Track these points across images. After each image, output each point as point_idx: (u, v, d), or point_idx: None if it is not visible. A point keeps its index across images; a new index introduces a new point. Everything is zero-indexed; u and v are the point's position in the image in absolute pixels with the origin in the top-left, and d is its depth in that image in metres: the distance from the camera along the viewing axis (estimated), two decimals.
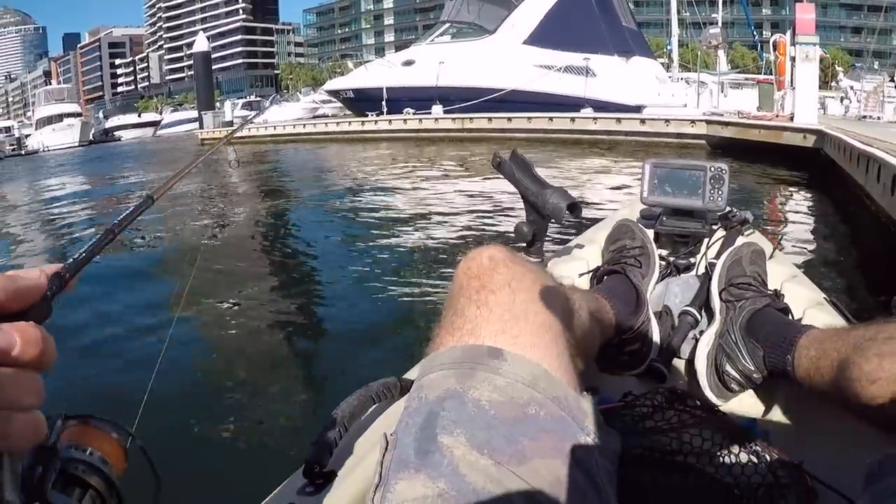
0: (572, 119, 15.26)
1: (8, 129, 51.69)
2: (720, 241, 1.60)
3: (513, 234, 1.44)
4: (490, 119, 16.84)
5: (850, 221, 6.40)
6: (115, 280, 5.04)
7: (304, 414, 2.81)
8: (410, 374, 1.18)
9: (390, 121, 19.38)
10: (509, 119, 16.41)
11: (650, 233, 1.60)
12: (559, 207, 1.36)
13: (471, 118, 17.25)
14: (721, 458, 0.93)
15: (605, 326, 1.17)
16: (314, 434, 0.95)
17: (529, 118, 16.04)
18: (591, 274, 1.48)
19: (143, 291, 4.86)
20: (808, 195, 8.17)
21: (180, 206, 9.00)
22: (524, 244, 1.41)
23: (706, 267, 1.50)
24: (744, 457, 0.93)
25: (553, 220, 1.38)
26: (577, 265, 1.57)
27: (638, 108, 15.65)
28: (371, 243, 6.18)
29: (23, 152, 45.56)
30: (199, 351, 3.75)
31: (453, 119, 17.70)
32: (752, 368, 1.18)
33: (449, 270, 4.89)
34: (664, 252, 1.61)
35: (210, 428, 2.79)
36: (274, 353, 3.76)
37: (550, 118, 15.60)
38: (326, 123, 21.97)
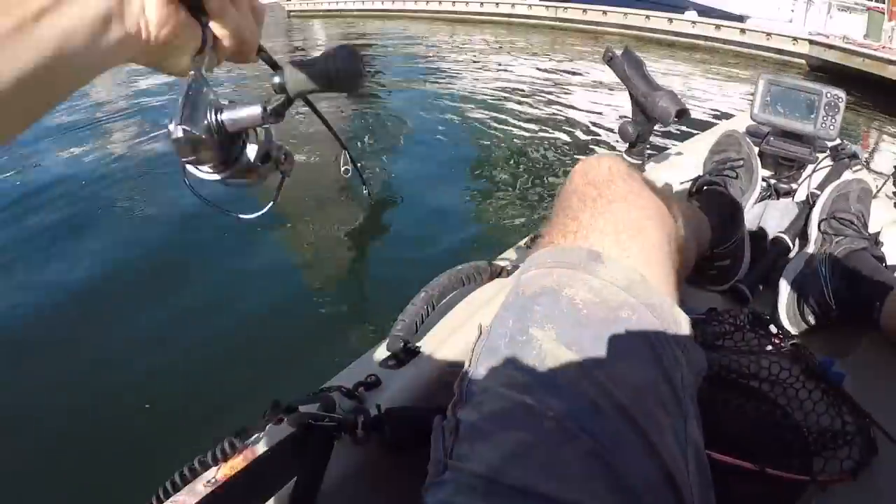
0: (670, 20, 14.31)
1: None
2: (825, 172, 1.53)
3: (616, 133, 1.40)
4: (585, 10, 15.94)
5: None
6: None
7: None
8: (500, 261, 1.20)
9: (482, 3, 18.56)
10: (604, 13, 15.48)
11: (755, 150, 1.54)
12: (668, 111, 1.31)
13: (565, 7, 16.35)
14: (794, 392, 0.93)
15: (702, 242, 1.15)
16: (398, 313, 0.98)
17: (626, 14, 15.14)
18: (690, 182, 1.45)
19: None
20: None
21: None
22: (627, 144, 1.37)
23: (808, 195, 1.45)
24: (816, 395, 0.92)
25: (660, 124, 1.34)
26: (677, 173, 1.53)
27: (741, 18, 14.61)
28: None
29: None
30: None
31: (546, 7, 16.85)
32: (834, 307, 1.16)
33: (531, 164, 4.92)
34: (767, 173, 1.56)
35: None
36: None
37: (647, 16, 14.67)
38: (416, 1, 21.20)
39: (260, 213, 0.67)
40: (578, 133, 5.99)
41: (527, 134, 5.84)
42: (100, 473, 2.05)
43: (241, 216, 0.68)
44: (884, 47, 11.25)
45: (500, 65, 10.52)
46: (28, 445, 2.18)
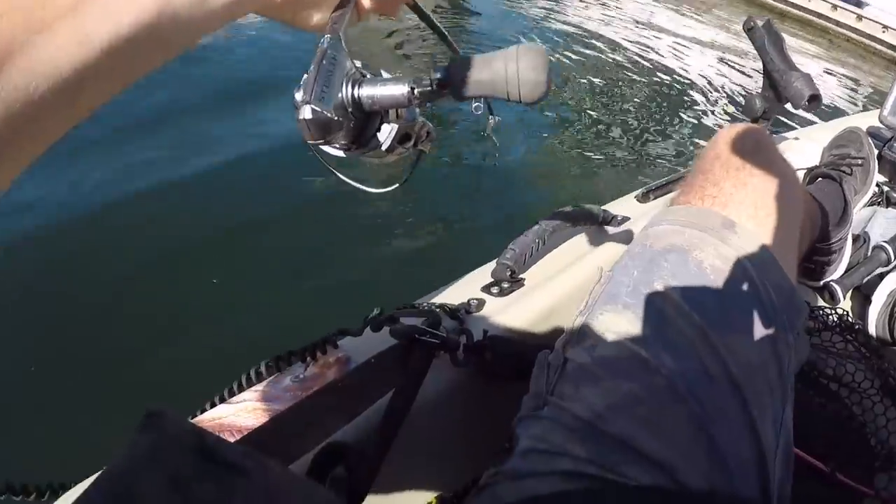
0: None
1: None
2: None
3: (741, 103, 1.36)
4: None
5: None
6: None
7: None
8: (610, 207, 1.19)
9: None
10: None
11: (875, 152, 1.49)
12: (801, 93, 1.27)
13: None
14: (871, 404, 0.93)
15: (813, 232, 1.14)
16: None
17: None
18: (805, 171, 1.41)
19: None
20: None
21: None
22: (751, 118, 1.33)
23: None
24: (892, 413, 0.92)
25: (791, 105, 1.29)
26: (794, 158, 1.48)
27: (860, 3, 13.70)
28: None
29: None
30: None
31: None
32: None
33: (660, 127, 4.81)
34: (882, 178, 1.51)
35: None
36: None
37: None
38: None
39: (392, 188, 0.62)
40: (693, 95, 5.83)
41: (641, 90, 5.69)
42: (188, 356, 2.12)
43: (371, 190, 0.62)
44: None
45: (607, 14, 10.15)
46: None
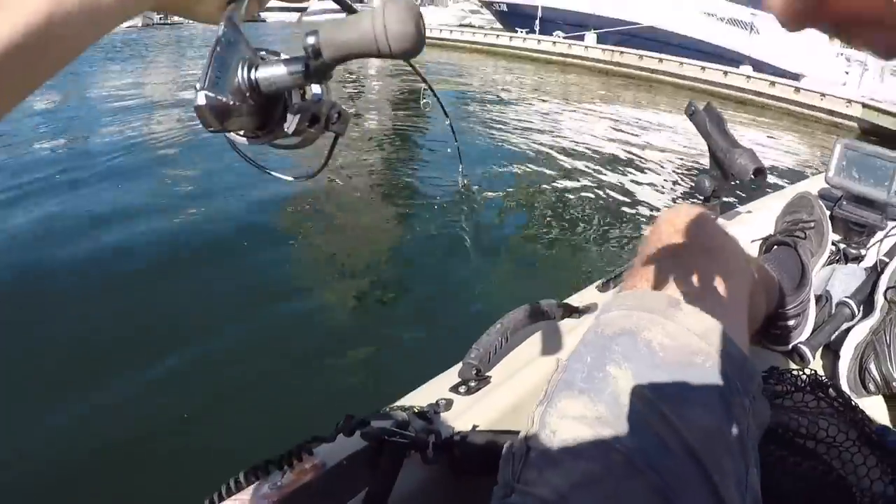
0: (725, 73, 14.10)
1: None
2: None
3: (692, 187, 1.44)
4: (641, 57, 15.74)
5: None
6: None
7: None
8: (572, 300, 1.24)
9: (539, 41, 18.50)
10: (660, 60, 15.31)
11: (827, 213, 1.56)
12: (746, 169, 1.34)
13: (621, 52, 16.25)
14: (850, 455, 0.94)
15: (769, 300, 1.18)
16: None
17: (681, 63, 14.96)
18: (761, 241, 1.47)
19: None
20: None
21: None
22: (702, 198, 1.40)
23: (876, 262, 1.46)
24: (871, 461, 0.93)
25: (737, 181, 1.37)
26: (748, 230, 1.56)
27: (796, 77, 14.31)
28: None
29: (169, 22, 46.88)
30: None
31: (603, 50, 16.74)
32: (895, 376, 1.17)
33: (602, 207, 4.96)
34: (837, 237, 1.57)
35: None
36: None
37: (703, 67, 14.46)
38: (473, 33, 21.21)
39: (311, 175, 0.61)
40: (650, 180, 6.00)
41: (598, 180, 5.88)
42: (162, 473, 2.14)
43: (290, 177, 0.61)
44: None
45: (552, 103, 10.61)
46: (90, 441, 2.29)
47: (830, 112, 12.22)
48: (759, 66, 14.78)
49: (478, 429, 0.90)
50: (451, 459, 0.84)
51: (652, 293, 0.80)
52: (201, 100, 0.40)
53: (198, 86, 0.40)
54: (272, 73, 0.45)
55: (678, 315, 0.75)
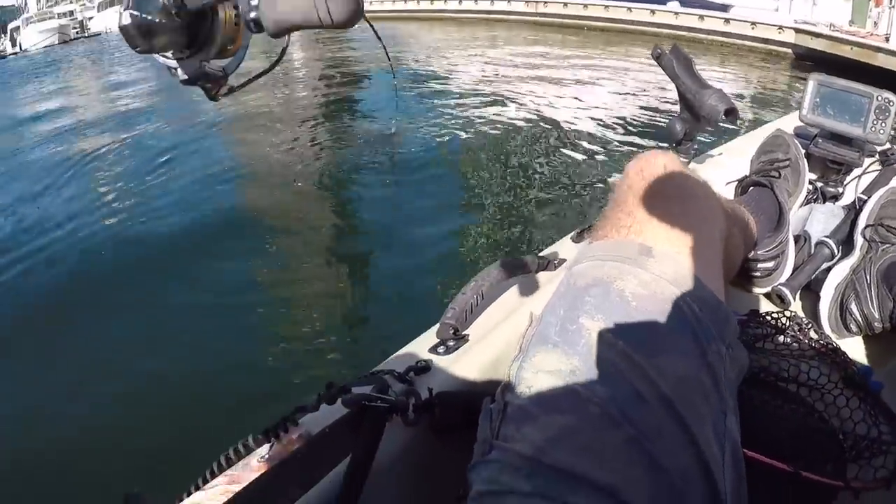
0: (652, 12, 14.12)
1: (71, 13, 49.78)
2: (874, 176, 1.52)
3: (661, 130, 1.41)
4: (565, 4, 15.72)
5: None
6: None
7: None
8: (547, 253, 1.22)
9: (461, 0, 18.33)
10: (585, 6, 15.28)
11: (802, 152, 1.54)
12: (716, 109, 1.31)
13: (545, 2, 16.16)
14: (832, 398, 0.94)
15: (748, 243, 1.17)
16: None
17: (606, 6, 14.93)
18: (736, 182, 1.45)
19: None
20: None
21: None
22: (674, 142, 1.38)
23: (855, 200, 1.45)
24: (854, 402, 0.93)
25: (708, 122, 1.34)
26: (722, 172, 1.53)
27: (725, 7, 14.21)
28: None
29: (86, 35, 45.05)
30: None
31: (526, 2, 16.61)
32: (877, 316, 1.16)
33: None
34: (813, 176, 1.55)
35: None
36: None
37: (629, 8, 14.50)
38: (394, 1, 20.95)
39: (227, 91, 0.56)
40: (619, 130, 5.99)
41: (568, 135, 5.87)
42: (154, 453, 2.15)
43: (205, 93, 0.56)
44: (871, 34, 11.05)
45: (493, 60, 10.55)
46: (85, 423, 2.29)
47: (764, 40, 12.40)
48: (688, 2, 14.63)
49: (458, 388, 0.91)
50: (432, 419, 0.85)
51: (624, 241, 0.79)
52: (126, 19, 0.40)
53: (122, 6, 0.40)
54: None
55: (650, 263, 0.74)
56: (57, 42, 38.96)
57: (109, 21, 45.47)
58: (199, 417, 2.28)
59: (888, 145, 1.55)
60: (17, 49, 41.32)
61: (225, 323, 2.92)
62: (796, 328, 1.08)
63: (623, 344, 0.67)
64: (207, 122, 7.35)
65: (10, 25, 48.51)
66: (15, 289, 3.49)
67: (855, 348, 1.17)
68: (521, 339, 0.77)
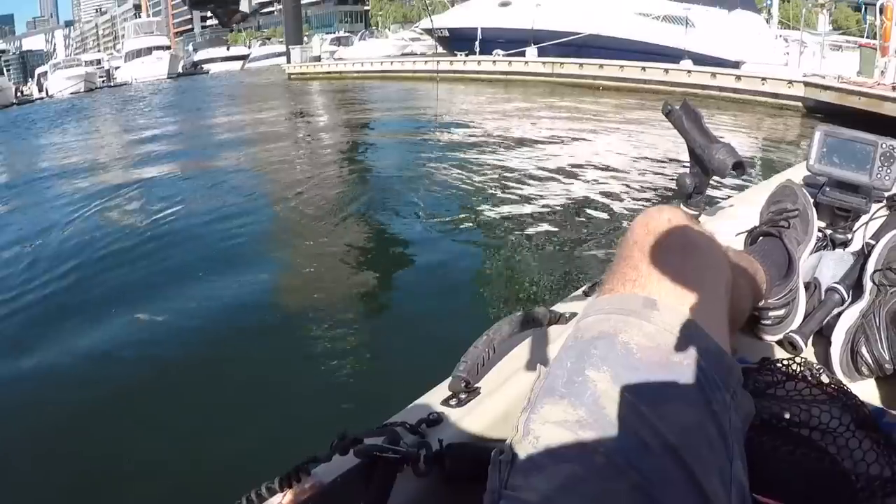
0: (665, 70, 14.33)
1: (98, 62, 52.31)
2: (881, 221, 1.55)
3: (674, 188, 1.44)
4: (581, 65, 16.03)
5: None
6: None
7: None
8: (558, 308, 1.25)
9: (479, 62, 18.80)
10: (601, 66, 15.56)
11: (811, 201, 1.57)
12: (725, 163, 1.34)
13: (561, 63, 16.51)
14: (844, 440, 0.94)
15: (757, 292, 1.19)
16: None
17: (622, 66, 15.19)
18: (746, 233, 1.48)
19: None
20: None
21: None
22: (684, 196, 1.41)
23: (863, 245, 1.47)
24: (866, 444, 0.93)
25: (717, 176, 1.38)
26: (733, 224, 1.56)
27: (736, 64, 14.42)
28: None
29: (112, 84, 46.30)
30: None
31: (543, 63, 16.99)
32: (888, 357, 1.17)
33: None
34: (822, 224, 1.58)
35: None
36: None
37: (643, 68, 14.73)
38: (414, 62, 21.44)
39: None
40: (631, 186, 6.04)
41: (583, 192, 5.93)
42: (167, 500, 2.15)
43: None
44: (878, 84, 11.07)
45: (515, 118, 10.71)
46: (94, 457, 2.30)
47: (774, 95, 12.49)
48: (700, 60, 14.99)
49: (468, 440, 0.93)
50: (443, 470, 0.86)
51: (628, 295, 0.81)
52: None
53: None
54: None
55: (654, 315, 0.77)
56: (83, 89, 39.65)
57: (136, 71, 46.99)
58: (212, 463, 2.29)
59: (894, 191, 1.57)
60: (44, 94, 42.47)
61: (239, 367, 2.95)
62: (807, 374, 1.09)
63: (628, 395, 0.70)
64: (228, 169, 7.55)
65: (38, 70, 50.10)
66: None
67: (866, 391, 1.18)
68: (530, 392, 0.79)
